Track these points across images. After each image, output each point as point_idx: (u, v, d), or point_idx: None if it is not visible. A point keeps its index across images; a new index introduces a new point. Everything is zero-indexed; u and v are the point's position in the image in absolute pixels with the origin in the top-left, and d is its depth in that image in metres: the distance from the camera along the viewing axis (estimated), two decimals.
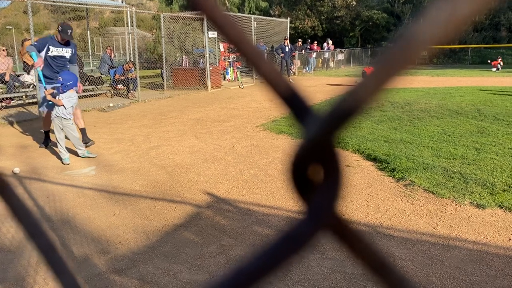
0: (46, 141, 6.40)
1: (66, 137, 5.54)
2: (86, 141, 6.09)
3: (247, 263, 0.22)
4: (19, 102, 10.31)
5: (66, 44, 6.26)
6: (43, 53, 6.07)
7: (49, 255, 0.34)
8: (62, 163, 5.45)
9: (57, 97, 5.40)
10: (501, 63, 20.19)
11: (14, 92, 10.19)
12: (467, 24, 0.20)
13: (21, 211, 0.34)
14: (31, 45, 6.23)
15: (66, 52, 6.27)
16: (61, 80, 5.37)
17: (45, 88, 5.71)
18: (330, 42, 23.77)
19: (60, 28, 6.15)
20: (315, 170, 0.22)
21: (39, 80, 6.16)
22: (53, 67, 6.17)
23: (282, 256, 0.22)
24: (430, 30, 0.20)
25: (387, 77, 0.21)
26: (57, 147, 5.65)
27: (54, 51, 6.16)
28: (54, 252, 0.34)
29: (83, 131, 6.17)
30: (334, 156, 0.22)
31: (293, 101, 0.22)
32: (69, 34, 6.13)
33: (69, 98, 5.44)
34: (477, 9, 0.20)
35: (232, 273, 0.23)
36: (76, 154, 5.66)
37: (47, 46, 6.10)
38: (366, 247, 0.24)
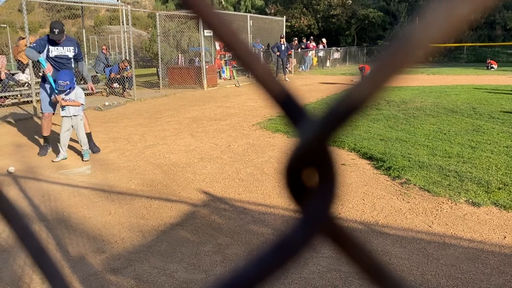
0: (46, 149, 5.84)
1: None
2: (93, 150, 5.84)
3: (242, 271, 0.22)
4: (14, 101, 10.26)
5: (66, 43, 5.68)
6: (44, 54, 5.55)
7: (38, 257, 0.34)
8: (55, 159, 5.47)
9: (70, 99, 5.39)
10: (495, 66, 20.21)
11: (9, 91, 10.15)
12: (466, 24, 0.20)
13: (9, 212, 0.34)
14: (29, 47, 5.64)
15: (68, 51, 5.71)
16: (68, 84, 5.25)
17: (56, 93, 5.39)
18: (324, 41, 23.87)
19: (50, 27, 5.56)
20: (310, 174, 0.22)
21: (49, 84, 5.59)
22: (57, 68, 5.63)
23: (277, 263, 0.21)
24: (429, 30, 0.20)
25: (383, 79, 0.20)
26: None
27: (54, 50, 5.62)
28: (43, 254, 0.34)
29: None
30: (328, 160, 0.21)
31: (287, 104, 0.22)
32: (56, 33, 5.47)
33: (80, 95, 5.48)
34: (476, 8, 0.19)
35: (227, 281, 0.22)
36: (77, 152, 5.68)
37: (46, 46, 5.57)
38: (361, 252, 0.23)
